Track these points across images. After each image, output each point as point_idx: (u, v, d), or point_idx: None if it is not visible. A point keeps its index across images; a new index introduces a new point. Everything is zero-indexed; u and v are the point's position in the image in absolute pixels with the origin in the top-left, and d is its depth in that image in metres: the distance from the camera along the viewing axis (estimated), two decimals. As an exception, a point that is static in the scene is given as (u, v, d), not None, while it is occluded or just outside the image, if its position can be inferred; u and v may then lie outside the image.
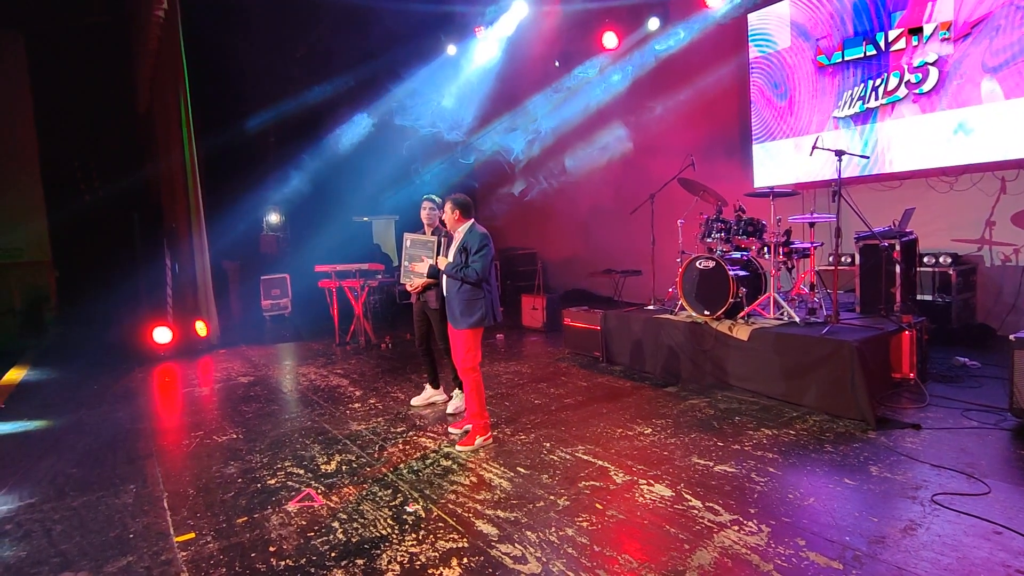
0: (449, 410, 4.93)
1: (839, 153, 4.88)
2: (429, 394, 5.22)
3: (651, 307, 6.36)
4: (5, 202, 10.47)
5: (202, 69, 8.98)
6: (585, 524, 2.99)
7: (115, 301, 9.74)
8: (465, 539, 2.89)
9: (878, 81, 6.88)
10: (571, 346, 6.93)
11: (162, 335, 7.77)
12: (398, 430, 4.58)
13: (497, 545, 2.82)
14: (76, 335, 9.84)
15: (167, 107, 8.41)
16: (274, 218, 12.75)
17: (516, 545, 2.81)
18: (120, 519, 3.32)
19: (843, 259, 6.68)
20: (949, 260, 6.25)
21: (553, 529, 2.95)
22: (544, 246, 12.13)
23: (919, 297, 6.15)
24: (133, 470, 4.03)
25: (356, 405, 5.33)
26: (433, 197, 4.87)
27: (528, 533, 2.92)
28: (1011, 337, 3.84)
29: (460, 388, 4.81)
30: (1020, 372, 3.76)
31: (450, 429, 4.47)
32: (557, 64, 10.51)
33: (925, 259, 6.31)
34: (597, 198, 10.80)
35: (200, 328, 8.20)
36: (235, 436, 4.62)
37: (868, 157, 6.87)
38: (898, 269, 5.17)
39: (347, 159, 11.77)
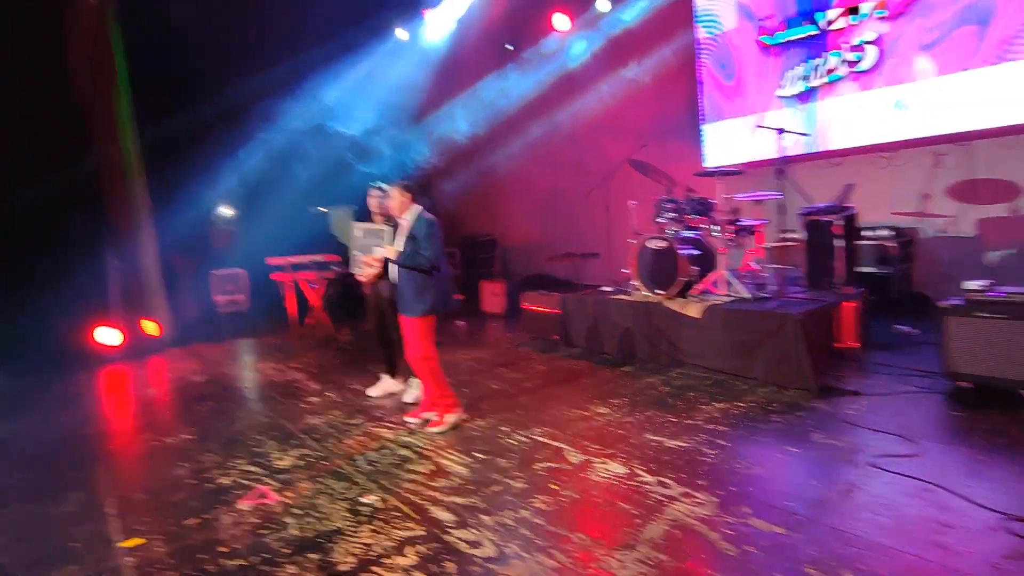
0: (407, 399, 4.90)
1: (780, 131, 5.01)
2: (387, 384, 5.18)
3: (607, 288, 6.44)
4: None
5: (144, 57, 8.56)
6: (540, 505, 3.02)
7: (53, 301, 9.29)
8: (421, 527, 2.89)
9: (819, 60, 7.04)
10: (530, 330, 6.96)
11: (107, 335, 7.48)
12: (355, 422, 4.53)
13: (453, 531, 2.84)
14: (8, 337, 9.35)
15: (105, 96, 8.03)
16: (226, 211, 12.34)
17: (472, 530, 2.83)
18: (63, 528, 3.20)
19: (792, 235, 6.86)
20: (890, 233, 6.49)
21: (509, 512, 2.98)
22: (504, 232, 12.09)
23: (861, 269, 6.38)
24: (78, 477, 3.88)
25: (313, 399, 5.25)
26: (380, 185, 4.79)
27: (484, 517, 2.94)
28: (940, 304, 4.03)
29: (417, 376, 4.78)
30: (950, 337, 3.95)
31: (406, 418, 4.44)
32: (510, 47, 10.42)
33: (866, 233, 6.53)
34: (555, 181, 10.80)
35: (148, 327, 7.92)
36: (187, 436, 4.50)
37: (807, 135, 7.02)
38: (840, 243, 5.36)
39: (297, 148, 11.46)
